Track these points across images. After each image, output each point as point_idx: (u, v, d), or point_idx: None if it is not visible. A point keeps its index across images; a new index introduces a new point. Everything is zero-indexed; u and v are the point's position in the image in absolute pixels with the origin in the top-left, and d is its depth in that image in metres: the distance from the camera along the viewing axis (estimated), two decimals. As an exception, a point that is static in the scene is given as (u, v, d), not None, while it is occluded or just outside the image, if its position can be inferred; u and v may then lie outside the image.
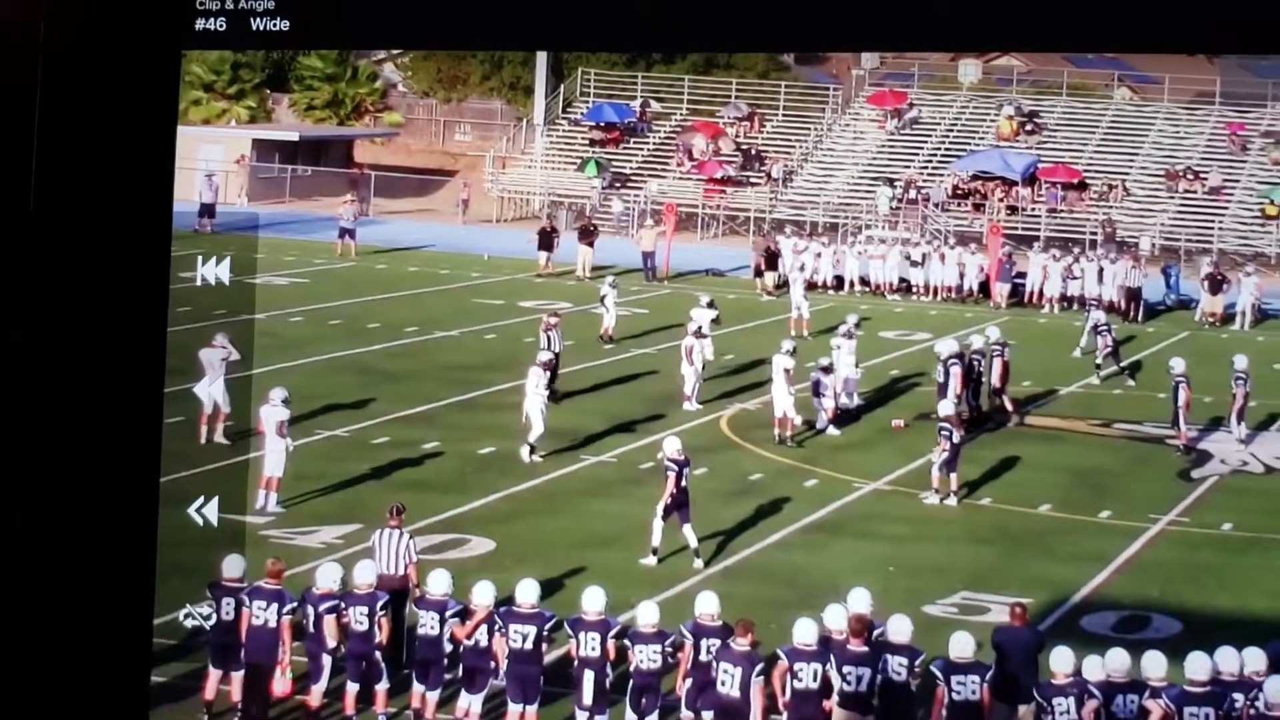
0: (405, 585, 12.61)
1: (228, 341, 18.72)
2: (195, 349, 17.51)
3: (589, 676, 11.51)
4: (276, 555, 12.43)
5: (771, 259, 33.22)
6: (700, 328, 23.05)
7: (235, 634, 11.85)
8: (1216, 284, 32.74)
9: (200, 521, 11.21)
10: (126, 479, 8.52)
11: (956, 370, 20.58)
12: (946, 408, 18.76)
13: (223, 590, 11.90)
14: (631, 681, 11.56)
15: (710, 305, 25.24)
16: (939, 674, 11.09)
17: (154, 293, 8.36)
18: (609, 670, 11.54)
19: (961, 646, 11.17)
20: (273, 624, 11.78)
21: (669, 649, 11.51)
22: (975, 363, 21.95)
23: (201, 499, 11.23)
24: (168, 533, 9.37)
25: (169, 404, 8.77)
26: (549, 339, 22.15)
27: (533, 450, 19.19)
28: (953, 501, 18.27)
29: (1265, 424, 22.50)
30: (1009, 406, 22.31)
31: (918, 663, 11.20)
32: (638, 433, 20.91)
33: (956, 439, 18.27)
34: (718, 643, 11.37)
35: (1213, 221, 40.49)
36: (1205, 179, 41.75)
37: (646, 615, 11.57)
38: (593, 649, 11.49)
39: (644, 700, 11.57)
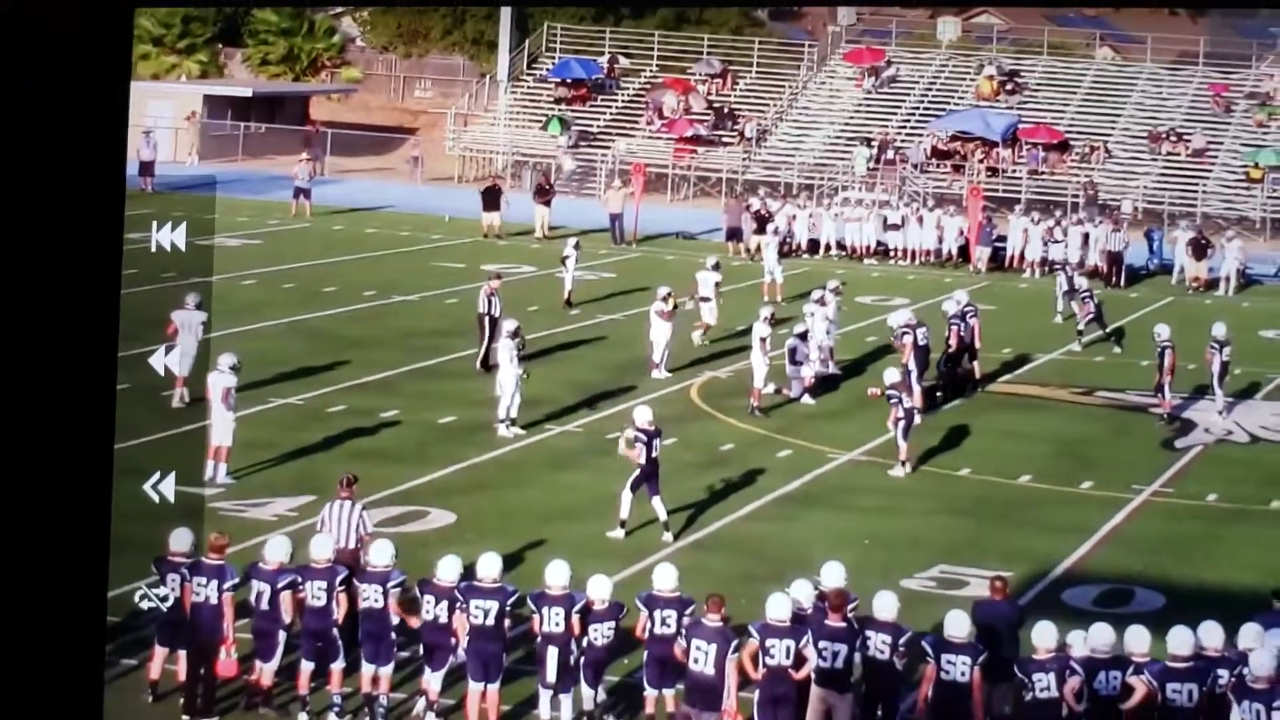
0: (358, 559, 12.44)
1: (195, 305, 18.63)
2: (148, 315, 17.28)
3: (552, 653, 11.39)
4: (222, 530, 12.22)
5: (762, 222, 33.03)
6: (695, 293, 22.82)
7: (181, 611, 11.68)
8: (1200, 249, 32.79)
9: (156, 498, 11.02)
10: (80, 448, 8.35)
11: (907, 340, 20.49)
12: (892, 375, 18.57)
13: (169, 566, 11.71)
14: (584, 657, 11.45)
15: (715, 268, 25.05)
16: (929, 650, 10.99)
17: (107, 256, 8.18)
18: (573, 646, 11.42)
19: (956, 625, 11.07)
20: (214, 601, 11.61)
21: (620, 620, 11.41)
22: (955, 326, 21.82)
23: (158, 474, 11.03)
24: (122, 505, 9.22)
25: (122, 371, 8.60)
26: (489, 302, 21.96)
27: (513, 423, 19.02)
28: (908, 469, 18.19)
29: (1249, 392, 22.55)
30: (976, 373, 22.23)
31: (902, 641, 11.08)
32: (604, 402, 20.78)
33: (908, 404, 18.16)
34: (673, 614, 11.26)
35: (1196, 184, 40.55)
36: (1189, 141, 41.80)
37: (598, 590, 11.44)
38: (556, 625, 11.35)
39: (596, 675, 11.47)
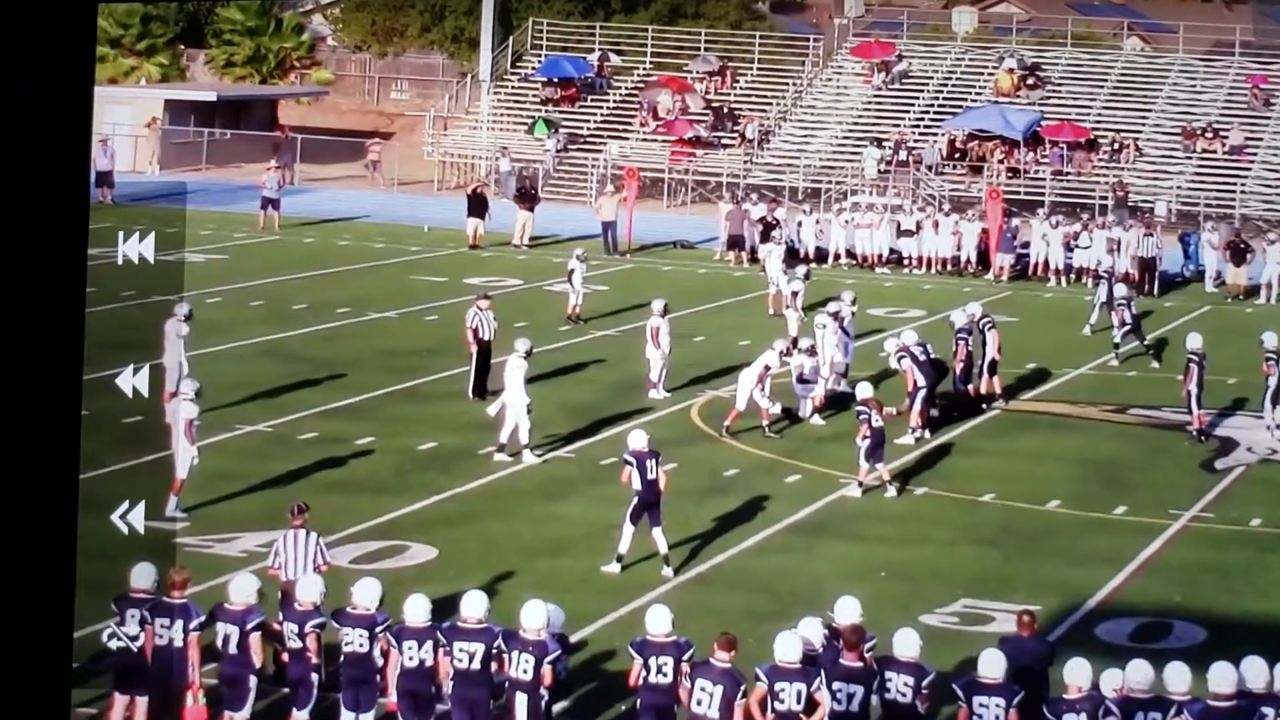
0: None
1: (182, 316, 18.91)
2: (111, 336, 17.25)
3: (521, 701, 11.23)
4: (183, 566, 12.16)
5: (768, 229, 33.13)
6: (661, 315, 22.83)
7: (139, 656, 11.59)
8: (1239, 253, 32.79)
9: (125, 529, 10.94)
10: (42, 479, 8.28)
11: (906, 365, 20.50)
12: (865, 390, 18.63)
13: (130, 603, 11.63)
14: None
15: (806, 277, 25.38)
16: (960, 692, 10.91)
17: (70, 273, 8.12)
18: (544, 694, 11.25)
19: (990, 665, 10.99)
20: (179, 643, 11.52)
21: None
22: (963, 340, 21.74)
23: (126, 504, 10.97)
24: (84, 540, 9.15)
25: (86, 396, 8.56)
26: (481, 324, 21.79)
27: (530, 449, 18.96)
28: (892, 493, 18.17)
29: (1296, 408, 22.47)
30: (997, 389, 22.19)
31: (925, 682, 10.98)
32: (599, 425, 20.71)
33: (876, 423, 18.16)
34: (669, 661, 11.09)
35: (1234, 184, 40.59)
36: (1225, 137, 41.85)
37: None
38: (524, 671, 11.13)
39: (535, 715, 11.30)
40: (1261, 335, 21.53)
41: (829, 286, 27.99)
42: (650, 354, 22.32)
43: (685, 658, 11.10)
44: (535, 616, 11.28)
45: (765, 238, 32.86)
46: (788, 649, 10.92)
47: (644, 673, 11.15)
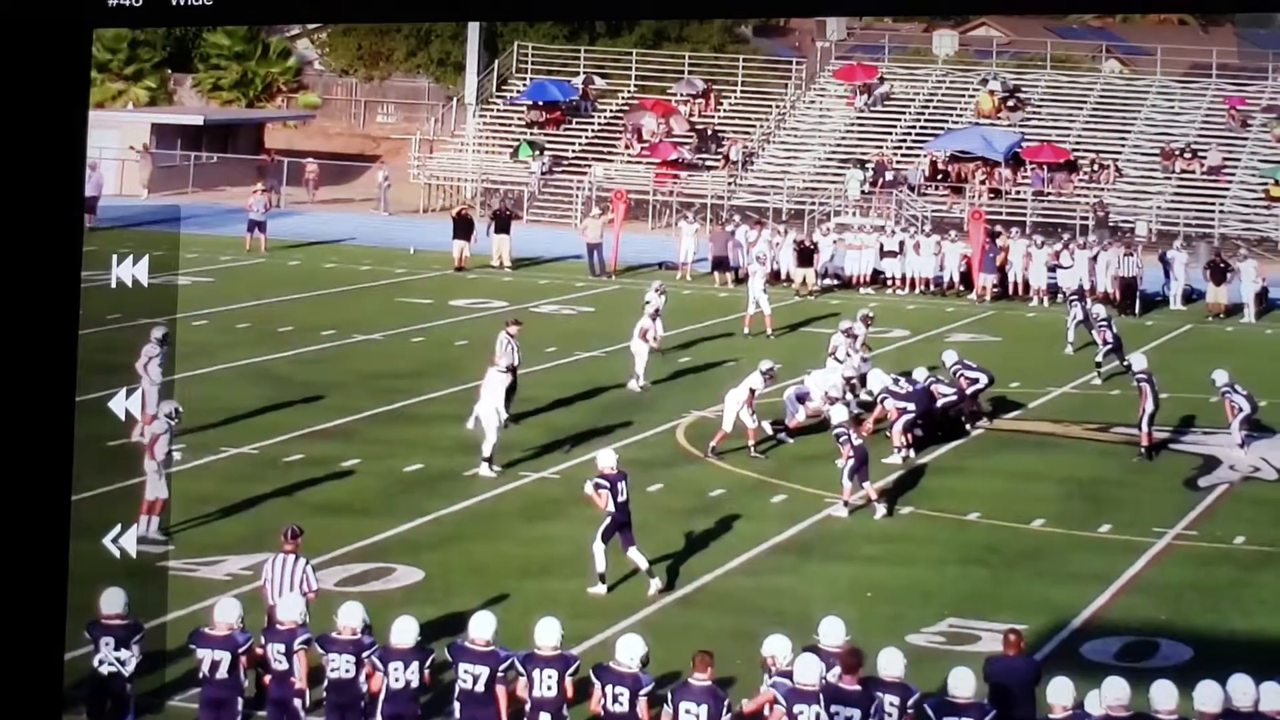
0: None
1: (155, 339, 18.80)
2: (102, 359, 17.14)
3: None
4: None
5: (806, 255, 33.10)
6: (657, 310, 23.13)
7: (130, 679, 11.45)
8: (1220, 273, 32.78)
9: (117, 553, 10.83)
10: (34, 501, 8.19)
11: (890, 403, 20.50)
12: (841, 413, 18.68)
13: (102, 629, 11.46)
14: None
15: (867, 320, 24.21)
16: (930, 712, 10.83)
17: (64, 295, 8.04)
18: (565, 712, 11.21)
19: (960, 684, 10.91)
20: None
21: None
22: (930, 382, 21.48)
23: (119, 527, 10.86)
24: (75, 565, 9.05)
25: (80, 418, 8.46)
26: (511, 350, 21.23)
27: (490, 463, 18.91)
28: (881, 513, 18.09)
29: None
30: (979, 408, 22.16)
31: (911, 702, 10.92)
32: (584, 446, 20.59)
33: (857, 442, 18.16)
34: (625, 691, 10.99)
35: (1213, 204, 40.64)
36: (1204, 158, 41.91)
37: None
38: (549, 688, 11.14)
39: None
40: (1212, 374, 21.31)
41: (812, 307, 27.94)
42: (635, 348, 22.68)
43: (643, 692, 11.01)
44: (550, 634, 11.25)
45: (805, 262, 32.89)
46: (807, 671, 10.82)
47: (602, 699, 11.11)
